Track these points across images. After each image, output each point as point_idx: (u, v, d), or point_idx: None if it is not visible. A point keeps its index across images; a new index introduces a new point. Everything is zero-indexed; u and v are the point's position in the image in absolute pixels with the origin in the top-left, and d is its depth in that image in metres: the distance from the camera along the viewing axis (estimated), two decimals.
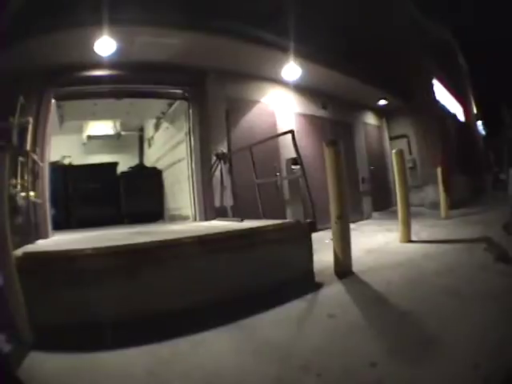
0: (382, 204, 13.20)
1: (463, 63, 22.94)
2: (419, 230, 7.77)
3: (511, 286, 3.93)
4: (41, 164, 6.57)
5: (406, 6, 14.03)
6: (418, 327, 3.06)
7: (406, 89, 13.26)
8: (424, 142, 13.57)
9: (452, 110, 17.17)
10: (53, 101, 7.24)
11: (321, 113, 11.05)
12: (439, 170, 10.53)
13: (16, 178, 5.85)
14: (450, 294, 3.69)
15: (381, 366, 2.41)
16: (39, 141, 6.77)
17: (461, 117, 19.03)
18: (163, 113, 10.63)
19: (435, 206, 11.28)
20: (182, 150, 8.93)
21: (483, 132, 28.43)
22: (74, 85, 7.42)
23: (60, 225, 8.23)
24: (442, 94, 15.23)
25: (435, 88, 14.27)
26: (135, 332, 3.20)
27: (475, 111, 24.58)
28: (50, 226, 6.85)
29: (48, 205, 6.91)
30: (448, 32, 19.03)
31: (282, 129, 9.02)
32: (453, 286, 3.96)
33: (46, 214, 6.78)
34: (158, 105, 10.12)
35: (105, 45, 6.52)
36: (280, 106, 9.75)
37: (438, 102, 14.35)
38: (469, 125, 20.92)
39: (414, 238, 6.89)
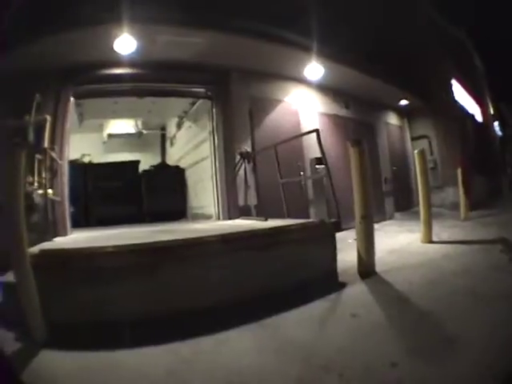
0: (404, 204, 13.10)
1: (479, 64, 22.78)
2: (440, 230, 7.72)
3: None
4: (60, 162, 6.63)
5: (424, 6, 13.98)
6: (437, 327, 3.06)
7: (427, 89, 13.17)
8: (444, 143, 13.47)
9: (470, 111, 17.07)
10: (72, 99, 7.26)
11: (343, 112, 11.01)
12: (459, 171, 10.47)
13: (33, 175, 5.92)
14: (468, 295, 3.69)
15: (401, 366, 2.43)
16: (58, 139, 6.81)
17: (478, 117, 18.90)
18: (186, 112, 10.69)
19: (454, 206, 11.22)
20: (206, 149, 8.96)
21: (500, 133, 28.18)
22: (94, 83, 7.44)
23: (79, 223, 8.34)
24: (460, 94, 15.15)
25: (454, 88, 14.22)
26: (156, 331, 3.21)
27: (492, 112, 24.38)
28: (68, 224, 6.88)
29: (67, 203, 6.94)
30: (463, 32, 18.92)
31: (305, 128, 8.98)
32: (471, 286, 3.96)
33: (65, 212, 6.82)
34: (181, 104, 10.17)
35: (125, 43, 6.51)
36: (303, 105, 9.71)
37: (457, 102, 14.28)
38: (486, 125, 20.77)
39: (434, 238, 6.84)
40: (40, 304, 3.13)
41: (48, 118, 6.67)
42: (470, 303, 3.47)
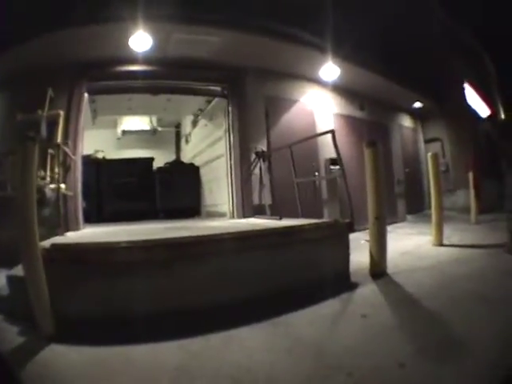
0: (416, 207, 13.13)
1: (490, 68, 22.62)
2: (450, 234, 7.74)
3: None
4: (73, 157, 6.67)
5: (437, 8, 13.95)
6: (445, 329, 3.09)
7: (440, 92, 13.21)
8: (457, 146, 13.49)
9: (482, 114, 17.01)
10: (86, 95, 7.33)
11: (358, 114, 11.03)
12: (471, 175, 10.50)
13: (45, 170, 6.02)
14: (477, 298, 3.72)
15: (409, 367, 2.46)
16: (71, 134, 6.89)
17: (491, 121, 18.77)
18: (201, 109, 10.73)
19: (465, 210, 11.21)
20: (221, 147, 9.00)
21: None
22: (108, 79, 7.55)
23: (92, 218, 8.44)
24: (472, 97, 15.12)
25: (466, 91, 14.19)
26: (167, 326, 3.25)
27: (503, 116, 24.19)
28: (81, 219, 6.95)
29: (80, 198, 7.00)
30: (474, 35, 18.80)
31: (320, 129, 9.06)
32: (480, 290, 4.00)
33: (78, 207, 6.89)
34: (196, 101, 10.22)
35: (140, 40, 6.58)
36: (318, 105, 9.75)
37: (469, 105, 14.26)
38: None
39: (445, 241, 6.88)
40: (49, 298, 3.17)
41: (61, 113, 6.77)
42: (479, 307, 3.51)
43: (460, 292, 4.01)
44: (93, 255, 3.60)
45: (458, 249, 6.55)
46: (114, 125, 13.04)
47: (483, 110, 17.16)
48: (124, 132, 13.10)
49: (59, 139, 6.52)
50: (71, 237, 5.36)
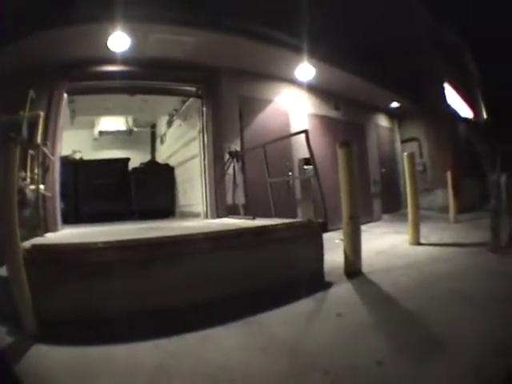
0: (392, 206, 13.19)
1: (474, 68, 22.77)
2: (428, 233, 7.75)
3: (509, 285, 4.01)
4: (52, 158, 6.62)
5: (417, 7, 13.98)
6: (424, 328, 3.07)
7: (418, 92, 13.24)
8: (435, 146, 13.54)
9: (462, 114, 17.10)
10: (65, 95, 7.27)
11: (333, 113, 11.02)
12: (449, 174, 10.51)
13: (25, 170, 5.94)
14: (459, 297, 3.70)
15: (387, 365, 2.43)
16: (50, 135, 6.82)
17: (471, 121, 18.89)
18: (176, 110, 10.70)
19: (444, 209, 11.23)
20: (195, 148, 8.96)
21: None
22: (87, 80, 7.50)
23: (69, 219, 8.36)
24: (453, 97, 15.19)
25: (446, 92, 14.25)
26: (144, 326, 3.24)
27: (485, 116, 24.39)
28: (59, 220, 6.90)
29: (58, 198, 6.95)
30: (458, 36, 18.91)
31: (294, 129, 9.00)
32: (463, 289, 3.98)
33: (56, 208, 6.83)
34: (171, 102, 10.20)
35: (118, 40, 6.56)
36: (293, 105, 9.73)
37: (449, 105, 14.31)
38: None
39: (422, 240, 6.87)
40: (32, 298, 3.16)
41: (41, 114, 6.68)
42: (461, 306, 3.49)
43: (441, 291, 4.01)
44: (70, 256, 3.62)
45: (436, 248, 6.56)
46: (91, 125, 13.01)
47: (464, 110, 17.26)
48: (101, 132, 13.08)
49: (39, 140, 6.48)
50: (50, 238, 5.39)
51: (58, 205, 6.96)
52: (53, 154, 6.71)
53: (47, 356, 2.77)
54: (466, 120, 17.27)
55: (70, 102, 8.89)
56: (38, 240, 4.68)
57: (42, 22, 5.89)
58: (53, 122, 6.90)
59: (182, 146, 10.54)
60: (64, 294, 3.38)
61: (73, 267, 3.49)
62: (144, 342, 2.97)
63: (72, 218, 9.18)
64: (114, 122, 12.98)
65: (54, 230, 6.49)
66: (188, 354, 2.80)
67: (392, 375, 2.35)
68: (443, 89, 14.00)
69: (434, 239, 7.25)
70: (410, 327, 3.13)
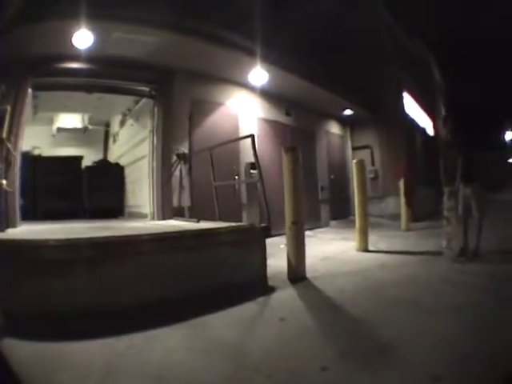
0: (341, 213, 13.29)
1: (439, 79, 23.11)
2: (377, 240, 7.86)
3: (461, 293, 4.07)
4: (14, 153, 6.57)
5: (379, 15, 14.09)
6: (369, 334, 3.11)
7: (374, 100, 13.39)
8: (388, 154, 13.70)
9: (421, 124, 17.30)
10: (30, 91, 7.23)
11: (284, 119, 11.09)
12: (402, 182, 10.62)
13: None
14: (407, 304, 3.78)
15: (331, 371, 2.45)
16: (14, 130, 6.76)
17: (430, 131, 19.17)
18: (129, 109, 10.68)
19: (396, 217, 11.36)
20: (145, 148, 8.94)
21: None
22: (51, 76, 7.47)
23: (27, 215, 8.21)
24: (411, 107, 15.36)
25: (405, 101, 14.39)
26: (92, 325, 3.23)
27: (445, 125, 24.73)
28: (18, 216, 6.86)
29: (17, 194, 6.90)
30: (424, 47, 19.18)
31: (244, 132, 9.03)
32: (411, 296, 4.05)
33: (15, 204, 6.78)
34: (126, 101, 10.16)
35: (82, 38, 6.50)
36: (244, 109, 9.75)
37: (406, 114, 14.46)
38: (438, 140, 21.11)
39: (371, 247, 6.97)
40: None
41: (8, 108, 6.64)
42: (408, 313, 3.55)
43: (387, 298, 4.06)
44: (28, 252, 3.71)
45: (383, 254, 6.66)
46: (50, 122, 12.78)
47: (423, 119, 17.50)
48: (59, 129, 12.89)
49: (4, 135, 6.45)
50: (12, 233, 5.41)
51: (18, 201, 6.91)
52: (15, 149, 6.66)
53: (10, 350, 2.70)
54: (423, 129, 17.53)
55: (34, 97, 8.76)
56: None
57: (13, 18, 5.89)
58: (17, 116, 6.85)
59: (133, 146, 10.49)
60: (20, 289, 3.43)
61: (28, 263, 3.56)
62: (95, 341, 3.01)
63: (30, 214, 8.97)
64: (71, 119, 12.81)
65: (14, 225, 6.41)
66: (135, 353, 2.84)
67: (337, 380, 2.37)
68: (401, 98, 14.14)
69: (382, 246, 7.34)
70: (357, 333, 3.16)
